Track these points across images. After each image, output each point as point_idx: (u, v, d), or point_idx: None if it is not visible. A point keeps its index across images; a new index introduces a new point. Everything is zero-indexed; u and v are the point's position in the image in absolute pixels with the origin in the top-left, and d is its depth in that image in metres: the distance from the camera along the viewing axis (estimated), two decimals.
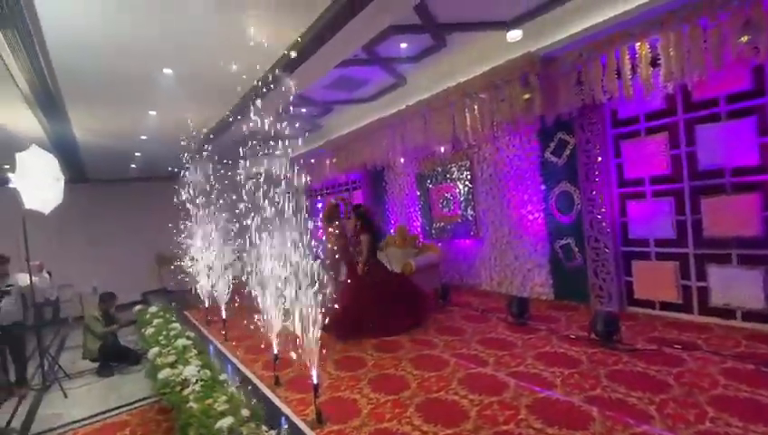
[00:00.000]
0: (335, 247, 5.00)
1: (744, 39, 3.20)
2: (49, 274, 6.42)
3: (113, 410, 3.97)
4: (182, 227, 6.32)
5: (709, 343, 3.54)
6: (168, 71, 3.83)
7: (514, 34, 3.94)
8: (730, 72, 3.56)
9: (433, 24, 3.97)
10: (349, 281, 4.87)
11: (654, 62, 3.70)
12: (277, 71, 3.77)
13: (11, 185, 4.35)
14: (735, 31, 3.22)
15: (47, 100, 4.04)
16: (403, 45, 4.45)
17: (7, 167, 6.88)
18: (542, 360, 3.56)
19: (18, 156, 4.30)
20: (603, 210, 4.67)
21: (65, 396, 4.44)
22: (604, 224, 4.67)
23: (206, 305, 6.19)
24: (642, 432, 2.39)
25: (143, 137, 6.20)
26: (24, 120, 4.70)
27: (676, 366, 3.16)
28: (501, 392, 3.04)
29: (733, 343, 3.49)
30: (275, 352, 3.61)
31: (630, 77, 3.87)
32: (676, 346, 3.52)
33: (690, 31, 3.43)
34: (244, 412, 2.72)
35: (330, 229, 5.15)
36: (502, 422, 2.64)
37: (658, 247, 4.42)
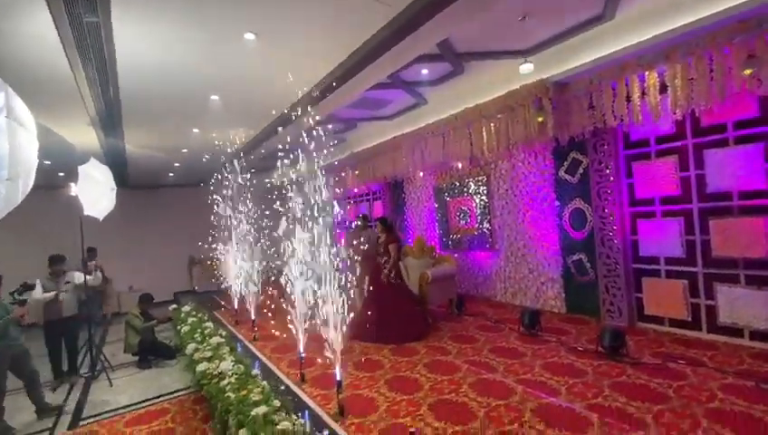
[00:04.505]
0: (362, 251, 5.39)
1: (748, 72, 3.39)
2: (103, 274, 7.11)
3: (154, 398, 4.38)
4: (215, 231, 6.78)
5: (714, 360, 3.68)
6: (214, 97, 4.32)
7: (527, 67, 4.22)
8: (738, 99, 3.73)
9: (452, 54, 4.30)
10: (372, 287, 5.21)
11: (663, 89, 3.91)
12: (317, 91, 4.13)
13: (72, 193, 4.89)
14: (739, 63, 3.42)
15: (109, 121, 4.59)
16: (424, 71, 4.79)
17: (62, 174, 7.61)
18: (550, 369, 3.78)
19: (80, 168, 4.83)
20: (615, 228, 4.85)
21: (110, 385, 4.90)
22: (615, 241, 4.85)
23: (236, 307, 6.64)
24: None
25: (184, 150, 6.76)
26: (86, 136, 5.29)
27: (678, 380, 3.34)
28: (508, 397, 3.29)
29: (737, 361, 3.62)
30: (302, 351, 3.96)
31: (639, 103, 4.09)
32: (681, 362, 3.68)
33: (695, 63, 3.64)
34: (276, 403, 3.06)
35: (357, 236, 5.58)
36: (507, 423, 2.90)
37: (668, 266, 4.56)
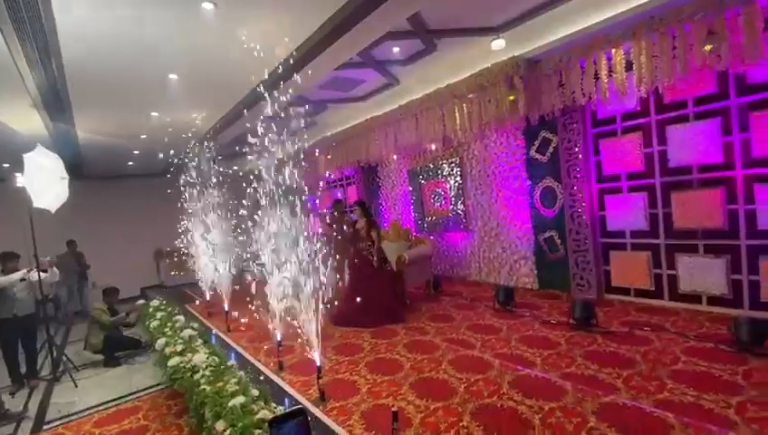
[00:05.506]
0: (339, 236, 5.31)
1: (708, 48, 3.50)
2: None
3: (125, 397, 4.18)
4: (181, 222, 6.51)
5: (676, 325, 3.90)
6: (173, 76, 4.04)
7: (498, 43, 4.20)
8: (698, 76, 3.86)
9: (423, 30, 4.21)
10: (353, 273, 5.15)
11: (629, 67, 4.00)
12: (281, 67, 3.93)
13: (18, 184, 4.50)
14: (700, 40, 3.52)
15: (55, 103, 4.21)
16: (395, 49, 4.67)
17: (7, 165, 7.01)
18: (525, 342, 3.89)
19: (25, 156, 4.44)
20: (583, 205, 4.99)
21: (75, 386, 4.64)
22: (584, 217, 5.00)
23: (207, 298, 6.44)
24: (609, 402, 2.72)
25: (143, 136, 6.36)
26: (30, 121, 4.85)
27: (644, 346, 3.51)
28: (486, 371, 3.36)
29: (696, 326, 3.85)
30: (279, 339, 3.88)
31: (607, 80, 4.17)
32: (646, 328, 3.87)
33: (659, 39, 3.73)
34: (254, 392, 2.98)
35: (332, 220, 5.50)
36: (486, 396, 2.96)
37: (633, 239, 4.76)
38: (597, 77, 4.23)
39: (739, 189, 3.94)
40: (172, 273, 10.07)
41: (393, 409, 2.16)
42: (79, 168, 8.62)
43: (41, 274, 4.71)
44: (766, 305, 3.80)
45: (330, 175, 9.47)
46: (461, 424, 2.64)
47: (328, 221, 5.77)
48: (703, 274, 4.20)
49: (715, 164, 4.06)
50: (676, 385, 2.83)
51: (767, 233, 3.78)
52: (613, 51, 4.05)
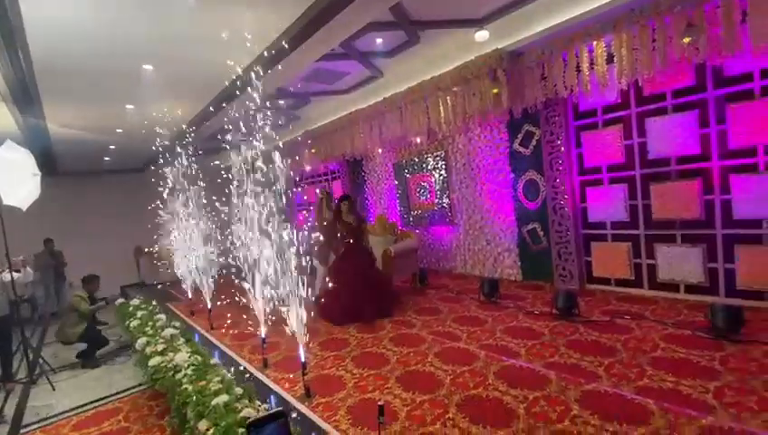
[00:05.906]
0: (326, 231, 5.25)
1: (687, 40, 3.55)
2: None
3: (104, 398, 4.08)
4: (162, 218, 6.35)
5: (655, 314, 3.99)
6: (147, 67, 3.89)
7: (482, 35, 4.18)
8: (676, 68, 3.91)
9: (406, 21, 4.16)
10: (343, 269, 5.09)
11: (610, 59, 4.03)
12: (264, 62, 3.84)
13: None
14: (679, 32, 3.57)
15: (23, 96, 4.02)
16: (378, 41, 4.62)
17: None
18: (509, 333, 3.93)
19: None
20: (565, 197, 5.05)
21: (53, 389, 4.49)
22: (566, 209, 5.06)
23: (190, 296, 6.31)
24: (591, 390, 2.76)
25: (119, 130, 6.15)
26: None
27: (624, 334, 3.59)
28: (472, 363, 3.38)
29: (675, 313, 3.95)
30: (263, 335, 3.82)
31: (588, 73, 4.20)
32: (626, 317, 3.96)
33: (640, 32, 3.76)
34: (238, 390, 2.93)
35: (322, 214, 5.44)
36: (472, 387, 2.98)
37: (614, 230, 4.85)
38: (579, 70, 4.26)
39: (715, 180, 4.03)
40: (143, 274, 9.82)
41: (379, 403, 2.15)
42: (52, 163, 8.31)
43: (14, 274, 4.54)
44: (742, 293, 3.92)
45: (312, 169, 9.37)
46: (447, 416, 2.65)
47: (323, 216, 5.70)
48: (680, 263, 4.30)
49: (692, 156, 4.15)
50: (656, 372, 2.89)
51: (742, 222, 3.89)
52: (594, 43, 4.08)
